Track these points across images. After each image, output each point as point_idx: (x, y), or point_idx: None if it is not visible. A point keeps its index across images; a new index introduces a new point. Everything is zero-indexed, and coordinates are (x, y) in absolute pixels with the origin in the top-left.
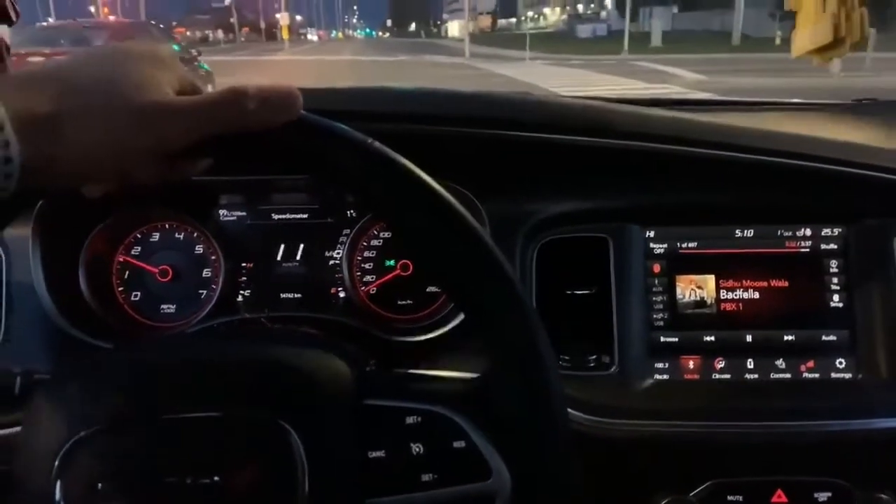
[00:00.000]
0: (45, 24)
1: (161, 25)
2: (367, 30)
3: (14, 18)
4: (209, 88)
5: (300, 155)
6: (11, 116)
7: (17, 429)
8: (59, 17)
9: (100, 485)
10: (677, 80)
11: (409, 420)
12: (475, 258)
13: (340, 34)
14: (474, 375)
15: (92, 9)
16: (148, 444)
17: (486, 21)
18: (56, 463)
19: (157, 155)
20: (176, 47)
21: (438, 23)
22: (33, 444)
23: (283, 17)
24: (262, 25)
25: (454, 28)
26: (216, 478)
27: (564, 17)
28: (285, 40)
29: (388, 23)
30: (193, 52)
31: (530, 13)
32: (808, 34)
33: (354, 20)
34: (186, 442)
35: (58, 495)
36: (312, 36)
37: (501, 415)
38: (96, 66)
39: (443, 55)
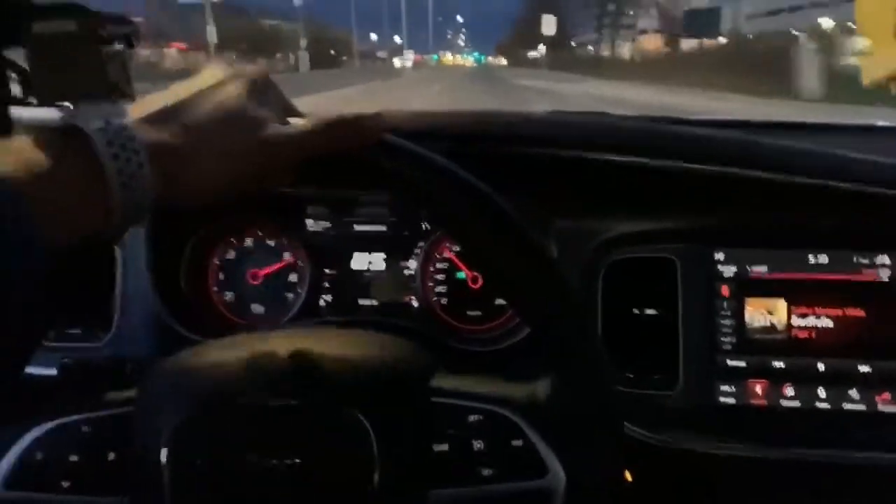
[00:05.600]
0: None
1: None
2: (476, 53)
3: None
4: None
5: (381, 171)
6: (146, 150)
7: (129, 408)
8: None
9: (198, 461)
10: None
11: (472, 418)
12: (536, 274)
13: (448, 58)
14: (534, 381)
15: None
16: (239, 427)
17: (653, 43)
18: (163, 439)
19: (263, 177)
20: None
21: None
22: (145, 422)
23: None
24: (303, 46)
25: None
26: (297, 460)
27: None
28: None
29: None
30: None
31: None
32: (881, 60)
33: (460, 41)
34: (272, 427)
35: (164, 466)
36: (405, 62)
37: (559, 419)
38: (211, 102)
39: None
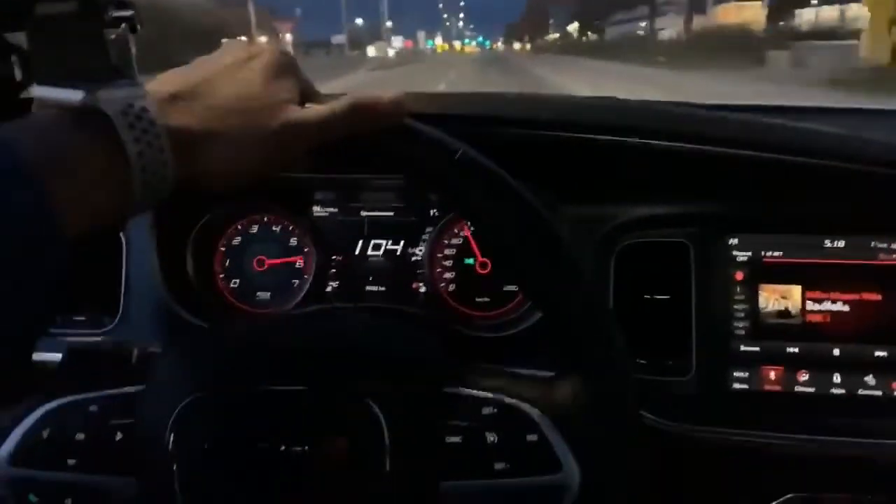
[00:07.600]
0: None
1: None
2: (480, 38)
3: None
4: None
5: (398, 155)
6: (167, 133)
7: (138, 387)
8: None
9: (206, 444)
10: None
11: (486, 410)
12: (552, 259)
13: (441, 44)
14: (550, 373)
15: None
16: (247, 412)
17: (747, 12)
18: (171, 420)
19: (282, 161)
20: None
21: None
22: (153, 403)
23: None
24: None
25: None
26: (306, 447)
27: None
28: None
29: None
30: None
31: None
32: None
33: (460, 24)
34: (280, 413)
35: (171, 447)
36: (386, 50)
37: (574, 412)
38: (231, 82)
39: None
